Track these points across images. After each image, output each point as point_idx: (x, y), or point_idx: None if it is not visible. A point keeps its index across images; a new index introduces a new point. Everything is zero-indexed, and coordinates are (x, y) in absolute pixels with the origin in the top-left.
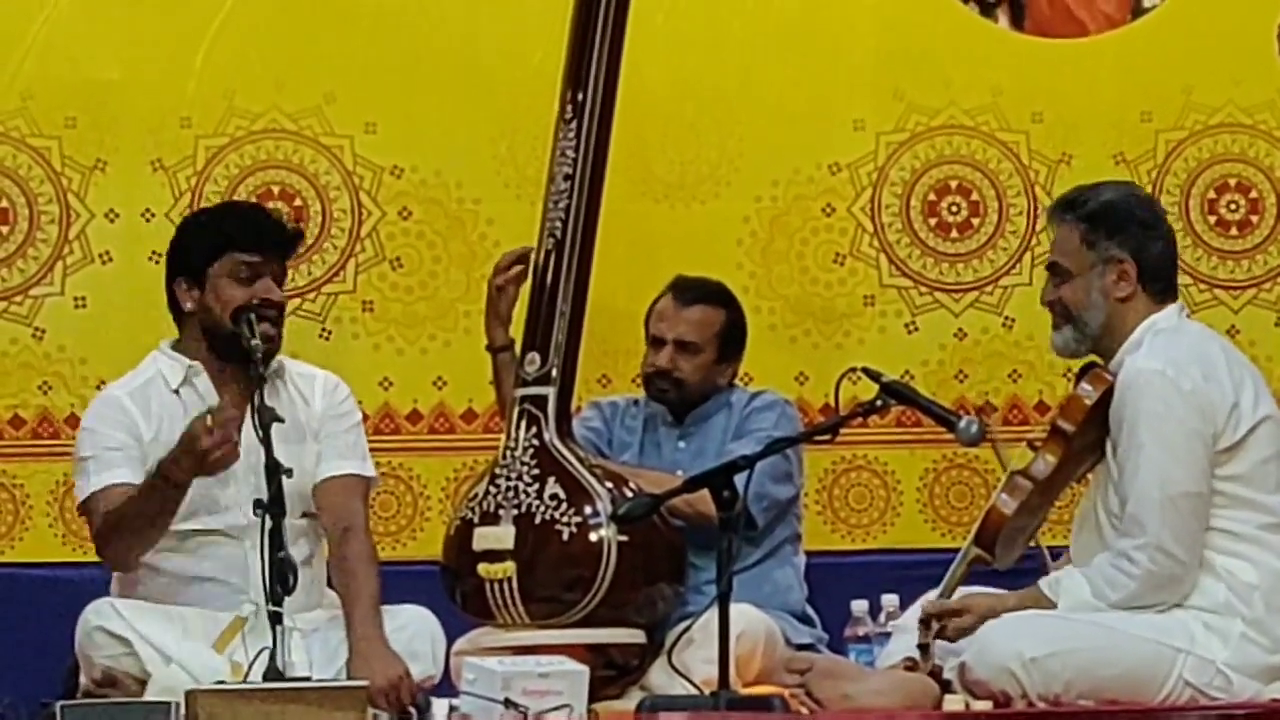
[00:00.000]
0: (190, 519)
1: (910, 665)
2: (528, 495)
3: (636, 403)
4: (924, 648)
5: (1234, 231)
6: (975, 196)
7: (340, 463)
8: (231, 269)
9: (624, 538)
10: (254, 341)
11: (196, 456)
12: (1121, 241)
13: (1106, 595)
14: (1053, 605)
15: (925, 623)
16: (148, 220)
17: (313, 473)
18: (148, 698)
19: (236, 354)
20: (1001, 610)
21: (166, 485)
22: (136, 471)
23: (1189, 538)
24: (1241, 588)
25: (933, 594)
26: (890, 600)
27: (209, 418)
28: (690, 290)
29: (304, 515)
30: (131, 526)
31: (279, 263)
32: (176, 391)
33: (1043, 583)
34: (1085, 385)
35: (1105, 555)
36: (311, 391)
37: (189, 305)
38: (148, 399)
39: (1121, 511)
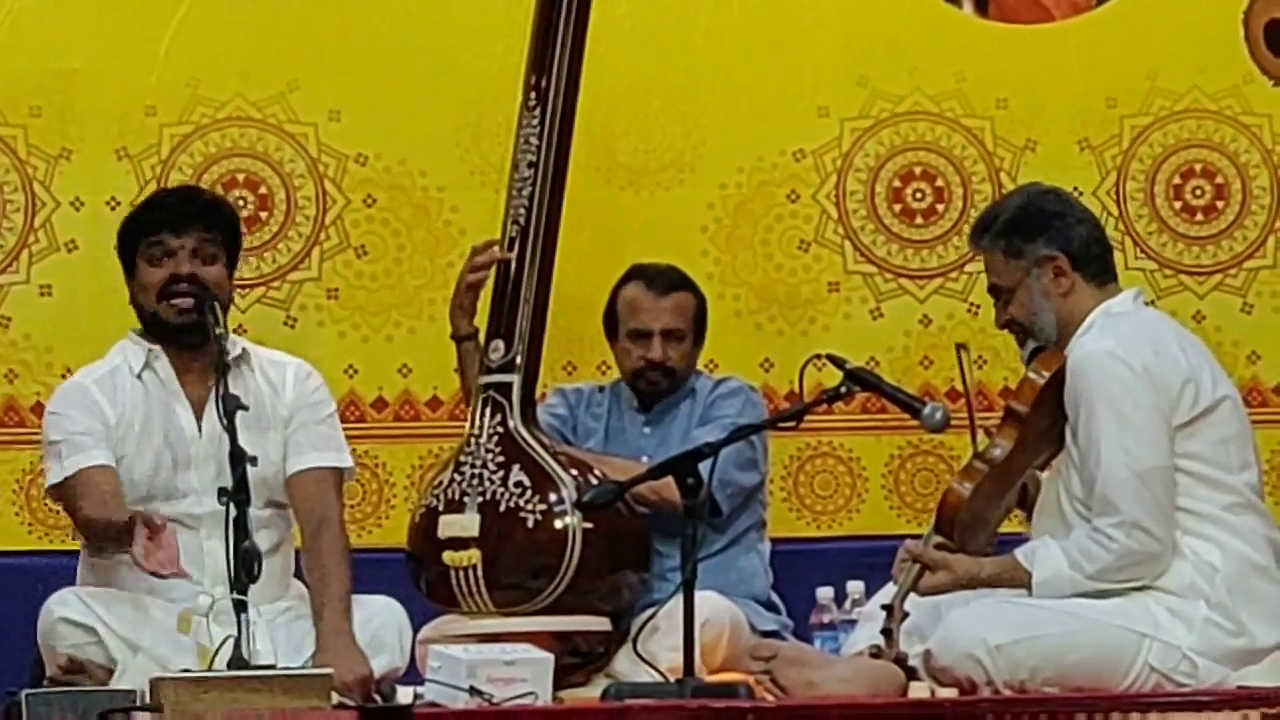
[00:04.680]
0: (147, 506)
1: (875, 652)
2: (492, 483)
3: (601, 389)
4: (888, 633)
5: (1199, 217)
6: (940, 183)
7: (315, 455)
8: (147, 254)
9: (589, 525)
10: (218, 330)
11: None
12: (1045, 240)
13: (1083, 567)
14: (1028, 574)
15: (889, 609)
16: (113, 209)
17: (278, 462)
18: (115, 685)
19: (167, 336)
20: (978, 575)
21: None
22: (106, 454)
23: (1162, 513)
24: (1205, 569)
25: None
26: (855, 587)
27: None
28: (660, 278)
29: (268, 505)
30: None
31: (195, 237)
32: (139, 376)
33: (1019, 551)
34: (1036, 367)
35: (1083, 528)
36: (283, 380)
37: (130, 296)
38: (113, 385)
39: (1085, 495)
